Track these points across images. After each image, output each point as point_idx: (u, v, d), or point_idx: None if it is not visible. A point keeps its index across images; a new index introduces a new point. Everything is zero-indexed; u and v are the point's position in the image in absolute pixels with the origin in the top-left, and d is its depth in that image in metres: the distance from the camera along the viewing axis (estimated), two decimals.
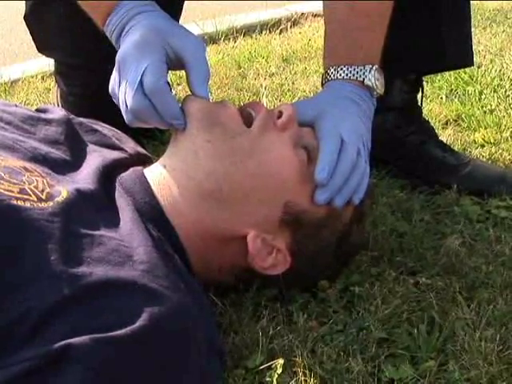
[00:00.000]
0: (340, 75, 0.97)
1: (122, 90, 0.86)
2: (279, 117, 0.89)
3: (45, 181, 0.78)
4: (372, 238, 1.08)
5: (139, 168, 0.93)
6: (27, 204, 0.72)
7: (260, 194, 0.86)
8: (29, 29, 1.32)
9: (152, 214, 0.85)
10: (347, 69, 0.97)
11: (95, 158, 0.92)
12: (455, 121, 1.55)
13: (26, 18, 1.30)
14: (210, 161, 0.86)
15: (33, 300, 0.65)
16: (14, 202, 0.70)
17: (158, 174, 0.89)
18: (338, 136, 0.89)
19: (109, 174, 0.89)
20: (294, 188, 0.88)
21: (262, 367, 0.82)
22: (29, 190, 0.74)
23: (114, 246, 0.74)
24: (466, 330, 0.88)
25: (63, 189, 0.78)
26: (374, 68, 0.97)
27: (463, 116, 1.55)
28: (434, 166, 1.27)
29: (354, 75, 0.96)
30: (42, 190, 0.75)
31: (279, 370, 0.81)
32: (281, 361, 0.81)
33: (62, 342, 0.63)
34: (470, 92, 1.70)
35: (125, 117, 0.88)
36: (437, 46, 1.27)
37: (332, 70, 0.98)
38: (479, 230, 1.13)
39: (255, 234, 0.86)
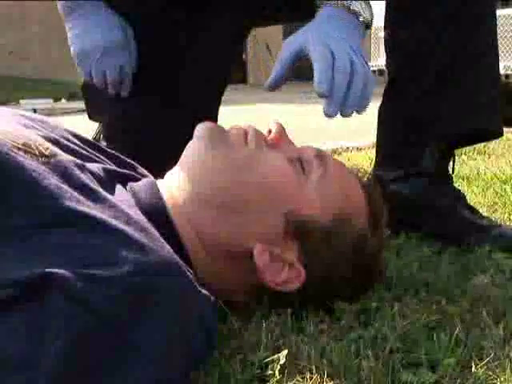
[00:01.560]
0: (327, 4, 1.03)
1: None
2: (269, 134, 0.91)
3: (52, 146, 0.78)
4: (396, 279, 1.03)
5: (151, 179, 0.93)
6: (27, 155, 0.72)
7: (261, 206, 0.85)
8: (84, 98, 1.40)
9: (157, 214, 0.84)
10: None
11: (111, 166, 0.93)
12: (491, 206, 1.52)
13: (82, 88, 1.39)
14: (215, 176, 0.86)
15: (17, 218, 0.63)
16: (14, 150, 0.71)
17: (168, 185, 0.89)
18: (326, 50, 0.93)
19: (120, 178, 0.90)
20: (292, 197, 0.86)
21: (264, 361, 0.76)
22: (33, 146, 0.74)
23: (112, 204, 0.72)
24: (494, 346, 0.80)
25: (69, 157, 0.78)
26: None
27: (499, 204, 1.52)
28: (464, 228, 1.23)
29: (340, 2, 1.02)
30: (47, 148, 0.76)
31: (282, 361, 0.75)
32: (284, 352, 0.76)
33: (44, 270, 0.61)
34: (506, 189, 1.68)
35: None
36: (466, 115, 1.28)
37: (321, 3, 1.04)
38: (511, 277, 1.06)
39: (261, 247, 0.84)
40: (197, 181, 0.87)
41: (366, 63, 0.97)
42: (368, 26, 1.04)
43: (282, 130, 0.90)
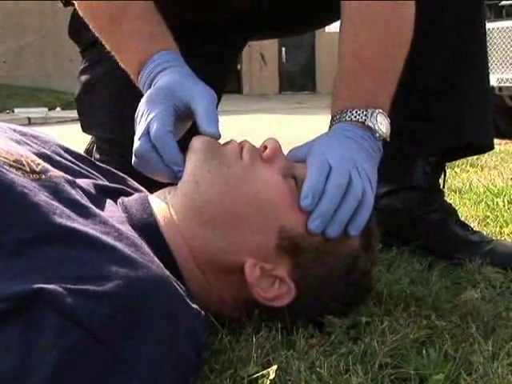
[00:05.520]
0: (342, 118, 0.97)
1: (135, 140, 0.91)
2: (265, 150, 0.90)
3: (43, 162, 0.79)
4: (386, 294, 1.03)
5: (144, 193, 0.94)
6: (19, 172, 0.72)
7: (254, 221, 0.85)
8: (77, 109, 1.40)
9: (148, 229, 0.84)
10: (349, 112, 0.96)
11: (102, 182, 0.93)
12: (483, 220, 1.53)
13: (76, 99, 1.39)
14: (208, 190, 0.86)
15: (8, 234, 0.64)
16: (6, 167, 0.71)
17: (160, 200, 0.90)
18: (324, 162, 0.88)
19: (111, 193, 0.90)
20: (286, 213, 0.86)
21: (254, 376, 0.76)
22: (24, 162, 0.75)
23: (103, 219, 0.73)
24: (483, 361, 0.81)
25: (60, 173, 0.79)
26: (377, 111, 0.96)
27: (491, 217, 1.53)
28: (455, 243, 1.24)
29: (355, 117, 0.96)
30: (38, 164, 0.76)
31: (272, 376, 0.75)
32: (274, 367, 0.76)
33: (35, 286, 0.61)
34: (498, 202, 1.69)
35: (132, 162, 0.91)
36: (458, 129, 1.29)
37: (336, 115, 0.99)
38: (501, 292, 1.07)
39: (252, 262, 0.84)
40: (190, 194, 0.87)
41: (372, 187, 0.90)
42: (385, 140, 0.97)
43: (277, 147, 0.90)
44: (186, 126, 0.96)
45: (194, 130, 0.92)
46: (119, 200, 0.89)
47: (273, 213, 0.86)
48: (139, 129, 0.90)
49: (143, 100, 0.93)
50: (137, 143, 0.89)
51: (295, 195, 0.87)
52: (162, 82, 0.94)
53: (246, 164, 0.88)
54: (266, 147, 0.91)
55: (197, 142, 0.89)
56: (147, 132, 0.89)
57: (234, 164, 0.88)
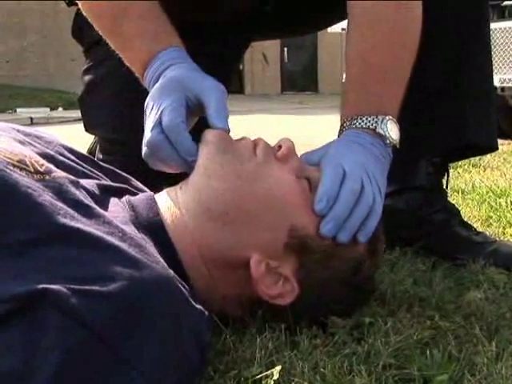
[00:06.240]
0: (353, 125, 0.97)
1: (146, 131, 0.90)
2: (279, 150, 0.90)
3: (47, 162, 0.79)
4: (390, 294, 1.03)
5: (149, 193, 0.93)
6: (23, 172, 0.72)
7: (264, 218, 0.85)
8: (81, 109, 1.40)
9: (154, 228, 0.84)
10: (360, 118, 0.96)
11: (105, 182, 0.93)
12: (486, 220, 1.53)
13: (79, 99, 1.39)
14: (220, 184, 0.86)
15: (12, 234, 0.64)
16: (10, 167, 0.71)
17: (168, 197, 0.89)
18: (338, 167, 0.89)
19: (115, 194, 0.90)
20: (298, 212, 0.86)
21: (258, 376, 0.76)
22: (28, 162, 0.75)
23: (107, 220, 0.73)
24: (487, 362, 0.81)
25: (64, 174, 0.79)
26: (387, 118, 0.96)
27: (494, 218, 1.53)
28: (458, 244, 1.24)
29: (366, 124, 0.96)
30: (42, 165, 0.76)
31: (275, 377, 0.75)
32: (278, 368, 0.76)
33: (39, 286, 0.62)
34: (501, 203, 1.69)
35: (143, 153, 0.91)
36: (461, 129, 1.29)
37: (346, 121, 0.99)
38: (505, 293, 1.07)
39: (259, 258, 0.84)
40: (201, 189, 0.86)
41: (381, 193, 0.91)
42: (395, 146, 0.98)
43: (291, 147, 0.90)
44: (195, 119, 0.96)
45: (204, 123, 0.91)
46: (125, 199, 0.89)
47: (284, 210, 0.86)
48: (150, 120, 0.89)
49: (151, 93, 0.93)
50: (148, 135, 0.88)
51: (308, 196, 0.87)
52: (170, 75, 0.94)
53: (260, 161, 0.88)
54: (280, 147, 0.91)
55: (209, 135, 0.88)
56: (159, 123, 0.88)
57: (248, 160, 0.87)
